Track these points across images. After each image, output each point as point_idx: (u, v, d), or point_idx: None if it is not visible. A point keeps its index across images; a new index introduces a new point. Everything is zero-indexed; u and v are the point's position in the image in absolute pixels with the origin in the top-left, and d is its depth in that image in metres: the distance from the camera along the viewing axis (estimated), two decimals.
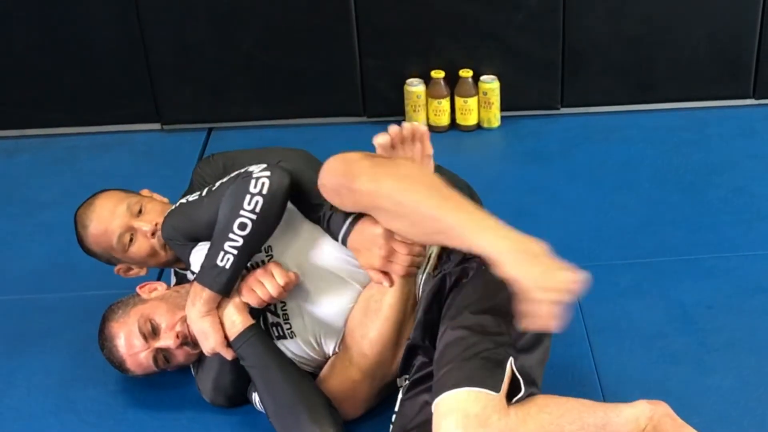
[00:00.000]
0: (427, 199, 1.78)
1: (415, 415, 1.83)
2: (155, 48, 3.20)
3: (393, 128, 1.91)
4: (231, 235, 1.90)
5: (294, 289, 2.00)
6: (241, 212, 1.90)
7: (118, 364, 2.06)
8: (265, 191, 1.90)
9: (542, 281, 1.63)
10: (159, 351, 2.02)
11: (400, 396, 1.92)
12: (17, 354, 2.31)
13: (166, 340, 2.01)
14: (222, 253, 1.91)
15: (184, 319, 2.01)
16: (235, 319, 1.96)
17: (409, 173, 1.84)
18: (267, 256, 2.02)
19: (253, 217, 1.90)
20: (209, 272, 1.93)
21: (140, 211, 2.14)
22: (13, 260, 2.69)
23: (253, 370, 1.97)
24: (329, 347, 2.07)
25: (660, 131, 3.15)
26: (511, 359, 1.77)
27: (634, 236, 2.61)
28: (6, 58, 3.24)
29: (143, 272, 2.23)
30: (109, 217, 2.13)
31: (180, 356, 2.04)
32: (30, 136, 3.35)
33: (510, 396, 1.75)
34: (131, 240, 2.12)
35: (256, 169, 1.94)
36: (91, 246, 2.17)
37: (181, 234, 2.05)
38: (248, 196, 1.90)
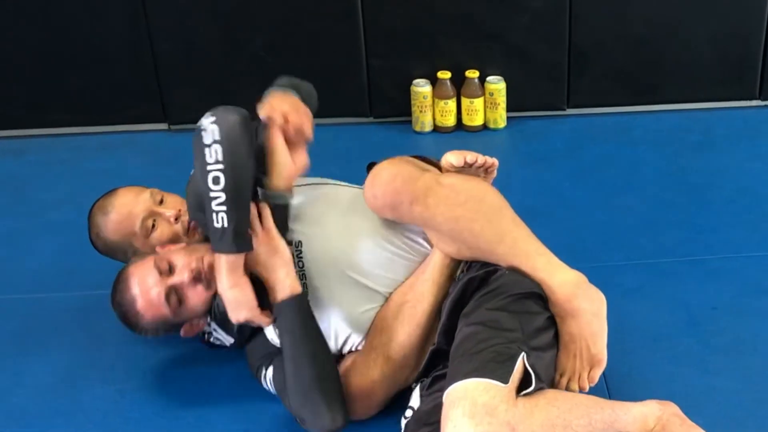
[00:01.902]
0: (482, 232, 1.92)
1: (436, 410, 1.81)
2: (162, 48, 3.21)
3: (471, 154, 1.98)
4: (212, 194, 1.86)
5: (317, 279, 2.02)
6: (208, 168, 1.85)
7: (129, 306, 2.00)
8: (218, 137, 1.86)
9: (592, 344, 1.89)
10: (172, 289, 1.98)
11: (417, 392, 1.92)
12: (24, 353, 2.32)
13: (180, 276, 1.98)
14: (214, 214, 1.86)
15: (200, 258, 1.98)
16: (286, 283, 1.94)
17: (469, 199, 1.93)
18: (296, 250, 2.02)
19: (221, 166, 1.85)
20: (215, 238, 1.89)
21: (161, 201, 2.15)
22: (19, 259, 2.70)
23: (285, 335, 1.95)
24: (346, 346, 2.06)
25: (665, 132, 3.16)
26: (523, 354, 1.78)
27: (639, 237, 2.61)
28: (13, 59, 3.25)
29: None
30: (132, 202, 2.13)
31: (193, 297, 1.99)
32: (37, 136, 3.37)
33: (519, 390, 1.76)
34: (153, 226, 2.12)
35: (204, 121, 1.90)
36: (109, 235, 2.15)
37: (194, 209, 2.03)
38: (207, 150, 1.86)
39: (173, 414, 2.11)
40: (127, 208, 2.13)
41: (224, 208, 1.85)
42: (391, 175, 1.94)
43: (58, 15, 3.18)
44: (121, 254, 2.19)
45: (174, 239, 2.12)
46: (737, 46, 3.19)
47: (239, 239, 1.89)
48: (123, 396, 2.16)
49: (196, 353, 2.24)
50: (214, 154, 1.85)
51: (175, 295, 1.98)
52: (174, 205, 2.14)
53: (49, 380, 2.22)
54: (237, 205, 1.87)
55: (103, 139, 3.31)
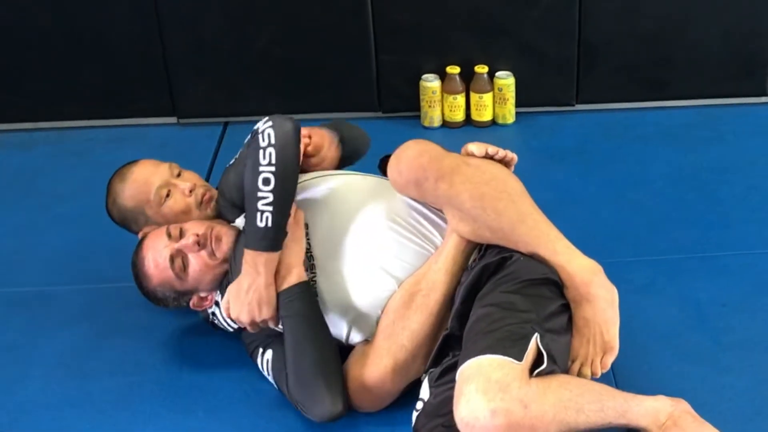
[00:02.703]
0: (506, 210, 1.93)
1: (447, 401, 1.82)
2: (172, 42, 3.20)
3: (492, 147, 2.02)
4: (260, 194, 1.95)
5: (328, 274, 2.04)
6: (260, 168, 1.95)
7: (140, 268, 2.09)
8: (273, 141, 1.96)
9: (605, 331, 1.90)
10: (178, 252, 2.05)
11: (427, 384, 1.92)
12: (34, 345, 2.32)
13: (185, 240, 2.05)
14: (259, 213, 1.95)
15: (209, 227, 2.07)
16: (296, 270, 2.00)
17: (494, 179, 1.96)
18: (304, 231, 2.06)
19: (273, 169, 1.95)
20: (255, 236, 1.97)
21: (178, 175, 2.22)
22: (29, 252, 2.70)
23: (289, 320, 1.99)
24: (356, 336, 2.07)
25: (675, 128, 3.15)
26: (536, 335, 1.79)
27: (649, 233, 2.60)
28: (23, 51, 3.25)
29: None
30: (150, 171, 2.21)
31: (197, 263, 2.06)
32: (46, 128, 3.36)
33: (532, 370, 1.76)
34: (168, 195, 2.17)
35: (260, 125, 2.00)
36: (125, 201, 2.20)
37: (225, 199, 2.14)
38: (261, 152, 1.96)
39: (182, 407, 2.11)
40: (144, 176, 2.20)
41: (270, 208, 1.94)
42: (417, 152, 1.96)
43: (68, 8, 3.18)
44: (133, 223, 2.23)
45: (186, 211, 2.18)
46: (748, 42, 3.17)
47: (280, 239, 1.98)
48: (132, 389, 2.16)
49: (205, 347, 2.24)
50: (268, 156, 1.95)
51: (180, 258, 2.06)
52: (190, 179, 2.22)
53: (58, 372, 2.23)
54: (282, 207, 1.97)
55: (113, 132, 3.31)
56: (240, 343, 2.17)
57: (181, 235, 2.07)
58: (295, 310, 1.99)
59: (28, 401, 2.15)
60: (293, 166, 1.99)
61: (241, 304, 2.00)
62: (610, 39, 3.17)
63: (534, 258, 1.95)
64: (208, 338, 2.18)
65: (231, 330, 2.15)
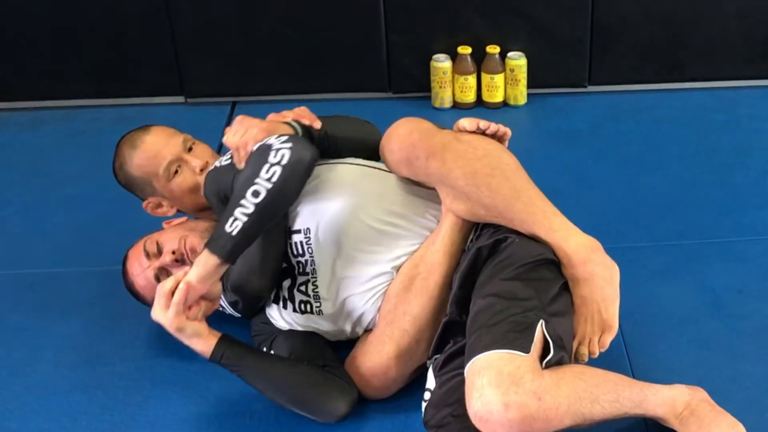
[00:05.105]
0: (500, 187, 1.89)
1: (453, 390, 1.81)
2: (180, 21, 3.18)
3: (484, 121, 1.98)
4: (243, 201, 1.85)
5: (326, 266, 2.01)
6: (257, 180, 1.86)
7: (130, 285, 2.12)
8: (284, 162, 1.87)
9: (604, 309, 1.86)
10: (161, 270, 2.05)
11: (432, 372, 1.90)
12: (43, 328, 2.31)
13: (164, 258, 2.04)
14: (232, 218, 1.85)
15: (183, 238, 2.04)
16: (203, 348, 1.92)
17: (486, 155, 1.92)
18: (305, 237, 2.01)
19: (269, 186, 1.85)
20: (217, 238, 1.86)
21: (191, 149, 2.15)
22: (37, 233, 2.68)
23: (238, 374, 1.96)
24: (360, 326, 2.06)
25: (689, 111, 3.12)
26: (541, 322, 1.76)
27: (663, 218, 2.58)
28: (30, 30, 3.22)
29: (171, 212, 2.22)
30: (162, 143, 2.14)
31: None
32: (53, 107, 3.35)
33: (542, 359, 1.74)
34: (177, 171, 2.13)
35: (277, 141, 1.91)
36: (132, 169, 2.16)
37: (214, 196, 2.05)
38: (267, 165, 1.87)
39: (193, 392, 2.10)
40: (156, 147, 2.14)
41: (245, 219, 1.85)
42: (408, 130, 1.94)
43: None
44: (139, 191, 2.20)
45: (194, 189, 2.14)
46: (763, 24, 3.14)
47: (234, 253, 1.87)
48: (143, 374, 2.15)
49: (217, 331, 2.22)
50: (271, 173, 1.86)
51: (165, 274, 2.03)
52: (202, 156, 2.15)
53: (68, 356, 2.21)
54: (256, 226, 1.86)
55: (120, 112, 3.29)
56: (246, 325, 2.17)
57: (159, 250, 2.05)
58: (236, 365, 1.94)
59: (37, 385, 2.14)
60: (289, 196, 1.91)
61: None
62: (623, 20, 3.14)
63: (529, 237, 1.91)
64: (220, 323, 2.16)
65: (237, 315, 2.14)
